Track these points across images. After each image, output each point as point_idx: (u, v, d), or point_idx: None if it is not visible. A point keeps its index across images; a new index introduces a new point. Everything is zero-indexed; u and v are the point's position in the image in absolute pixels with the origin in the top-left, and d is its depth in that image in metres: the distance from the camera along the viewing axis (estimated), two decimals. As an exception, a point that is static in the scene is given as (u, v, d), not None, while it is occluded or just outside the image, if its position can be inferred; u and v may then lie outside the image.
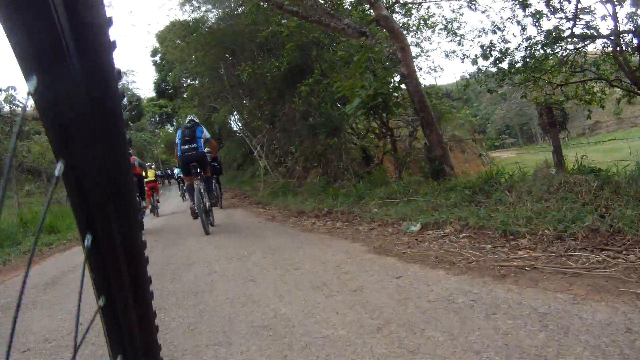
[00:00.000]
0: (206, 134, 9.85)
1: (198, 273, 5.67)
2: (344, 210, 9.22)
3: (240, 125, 27.50)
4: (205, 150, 10.00)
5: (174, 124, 59.15)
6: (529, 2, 11.72)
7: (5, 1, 0.51)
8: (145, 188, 13.56)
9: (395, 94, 10.95)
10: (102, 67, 0.61)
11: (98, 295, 0.77)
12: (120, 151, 0.68)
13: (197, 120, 10.26)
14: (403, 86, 10.90)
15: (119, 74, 0.64)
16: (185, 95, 37.84)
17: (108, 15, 0.59)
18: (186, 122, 10.09)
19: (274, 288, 4.40)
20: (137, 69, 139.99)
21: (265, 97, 18.42)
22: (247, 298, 4.18)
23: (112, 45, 0.61)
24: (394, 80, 11.46)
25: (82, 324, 0.89)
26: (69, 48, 0.55)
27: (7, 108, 31.62)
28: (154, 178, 17.48)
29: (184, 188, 21.94)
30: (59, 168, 0.61)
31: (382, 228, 7.07)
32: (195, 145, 9.42)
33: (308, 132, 15.46)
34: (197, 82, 30.23)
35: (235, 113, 26.10)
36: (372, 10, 11.87)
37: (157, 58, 50.60)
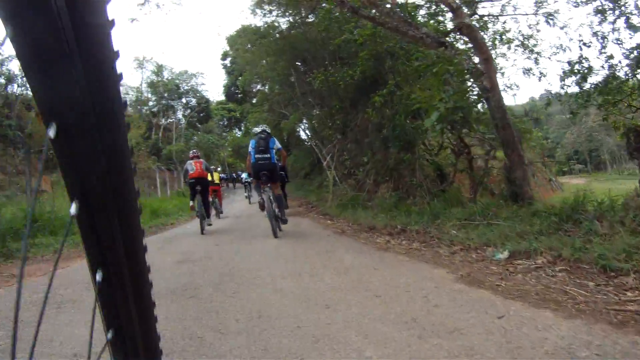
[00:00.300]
0: (277, 144, 10.45)
1: (263, 290, 5.26)
2: (419, 230, 8.87)
3: (309, 133, 27.49)
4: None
5: (242, 128, 60.76)
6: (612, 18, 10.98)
7: (6, 2, 0.51)
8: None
9: (474, 109, 10.40)
10: (104, 68, 0.62)
11: (94, 270, 0.78)
12: (121, 151, 0.70)
13: (269, 131, 10.97)
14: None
15: (120, 77, 0.66)
16: (254, 101, 38.09)
17: (111, 16, 0.60)
18: (259, 131, 10.74)
19: (354, 320, 3.93)
20: (206, 70, 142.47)
21: (337, 106, 18.22)
22: (321, 330, 3.73)
23: (114, 47, 0.62)
24: (474, 94, 10.94)
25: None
26: (70, 49, 0.56)
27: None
28: (217, 181, 17.75)
29: (250, 190, 24.00)
30: (74, 208, 0.65)
31: (465, 253, 6.69)
32: (268, 155, 10.02)
33: (380, 145, 15.11)
34: (267, 87, 30.37)
35: (304, 121, 25.96)
36: (444, 22, 11.47)
37: (227, 61, 51.66)
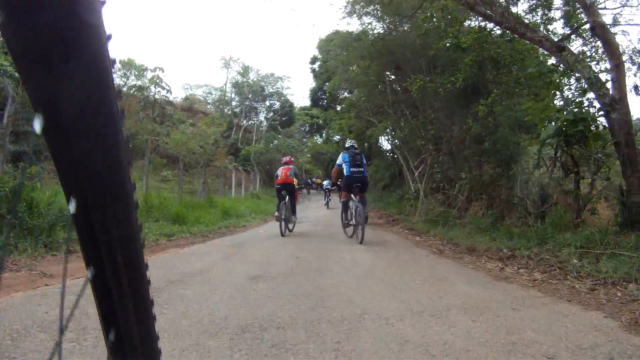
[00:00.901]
0: (364, 160, 12.05)
1: (378, 338, 3.83)
2: (530, 255, 8.01)
3: (392, 143, 27.19)
4: None
5: (323, 135, 61.29)
6: None
7: (4, 2, 0.52)
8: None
9: (595, 122, 9.39)
10: (99, 69, 0.61)
11: (88, 266, 0.78)
12: (118, 150, 0.68)
13: (357, 146, 12.66)
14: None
15: (113, 62, 0.64)
16: (339, 108, 37.89)
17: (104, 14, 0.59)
18: (348, 146, 12.44)
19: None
20: (292, 73, 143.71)
21: (432, 115, 17.28)
22: None
23: (108, 39, 0.62)
24: (595, 106, 9.93)
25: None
26: (66, 49, 0.55)
27: (152, 90, 33.44)
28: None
29: (329, 196, 26.27)
30: (72, 206, 0.65)
31: (605, 289, 5.74)
32: (362, 169, 11.63)
33: (478, 159, 14.30)
34: (354, 94, 29.87)
35: (390, 130, 25.22)
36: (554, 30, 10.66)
37: (315, 65, 51.97)
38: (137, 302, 0.83)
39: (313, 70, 53.78)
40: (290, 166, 13.78)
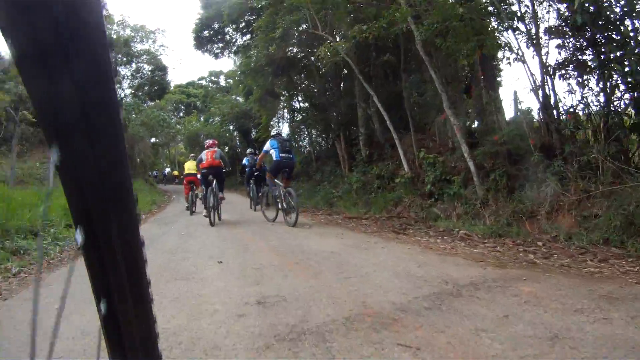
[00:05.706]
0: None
1: None
2: None
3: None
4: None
5: (202, 119, 53.44)
6: None
7: (5, 2, 0.53)
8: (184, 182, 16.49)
9: None
10: (101, 67, 0.63)
11: (97, 297, 0.80)
12: (119, 151, 0.71)
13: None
14: None
15: (115, 71, 0.72)
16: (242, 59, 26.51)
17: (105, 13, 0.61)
18: (274, 133, 14.49)
19: None
20: (169, 26, 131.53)
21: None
22: None
23: (110, 45, 0.63)
24: None
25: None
26: (68, 48, 0.58)
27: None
28: (194, 171, 16.66)
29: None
30: (54, 157, 0.64)
31: None
32: (290, 155, 12.49)
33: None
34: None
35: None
36: None
37: None
38: (135, 295, 0.83)
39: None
40: (216, 149, 13.55)
